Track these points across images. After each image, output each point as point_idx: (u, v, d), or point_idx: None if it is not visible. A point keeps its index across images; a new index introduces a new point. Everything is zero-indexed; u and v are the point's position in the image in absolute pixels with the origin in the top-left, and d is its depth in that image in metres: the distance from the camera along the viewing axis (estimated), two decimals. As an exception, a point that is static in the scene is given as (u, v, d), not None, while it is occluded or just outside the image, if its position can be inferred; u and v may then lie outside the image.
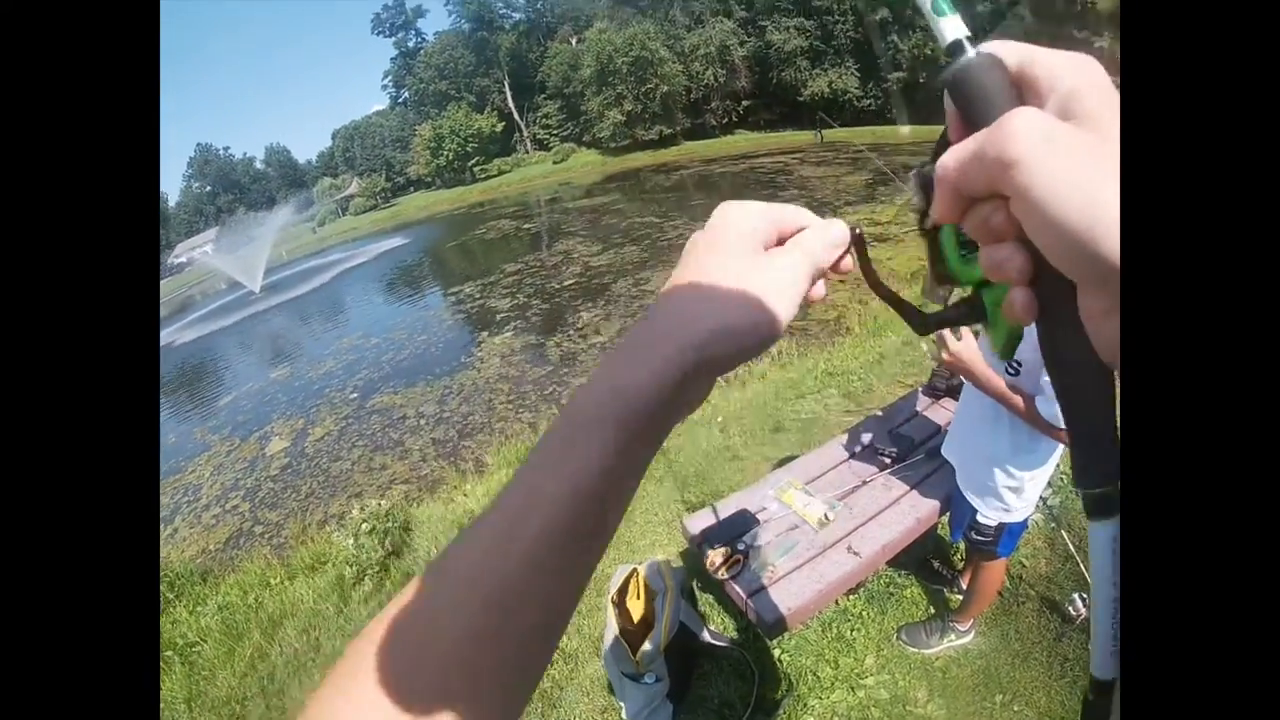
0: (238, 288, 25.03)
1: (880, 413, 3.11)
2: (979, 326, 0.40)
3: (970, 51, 0.31)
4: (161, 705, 3.26)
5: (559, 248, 15.61)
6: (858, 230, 0.43)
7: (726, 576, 2.19)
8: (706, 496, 3.67)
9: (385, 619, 0.37)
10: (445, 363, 8.87)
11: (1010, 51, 0.31)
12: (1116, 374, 0.29)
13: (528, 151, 51.27)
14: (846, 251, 0.43)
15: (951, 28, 0.32)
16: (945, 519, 2.44)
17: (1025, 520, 1.99)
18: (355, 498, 5.87)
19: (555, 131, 48.81)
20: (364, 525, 3.90)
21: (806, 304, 0.43)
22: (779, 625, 2.03)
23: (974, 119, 0.30)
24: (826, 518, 2.35)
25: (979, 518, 1.99)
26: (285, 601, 3.81)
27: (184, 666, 3.52)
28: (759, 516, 2.44)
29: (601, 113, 40.48)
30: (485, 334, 9.72)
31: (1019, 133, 0.26)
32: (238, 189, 69.56)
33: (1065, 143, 0.26)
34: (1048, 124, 0.27)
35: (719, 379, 0.50)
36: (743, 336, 0.39)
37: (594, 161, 41.62)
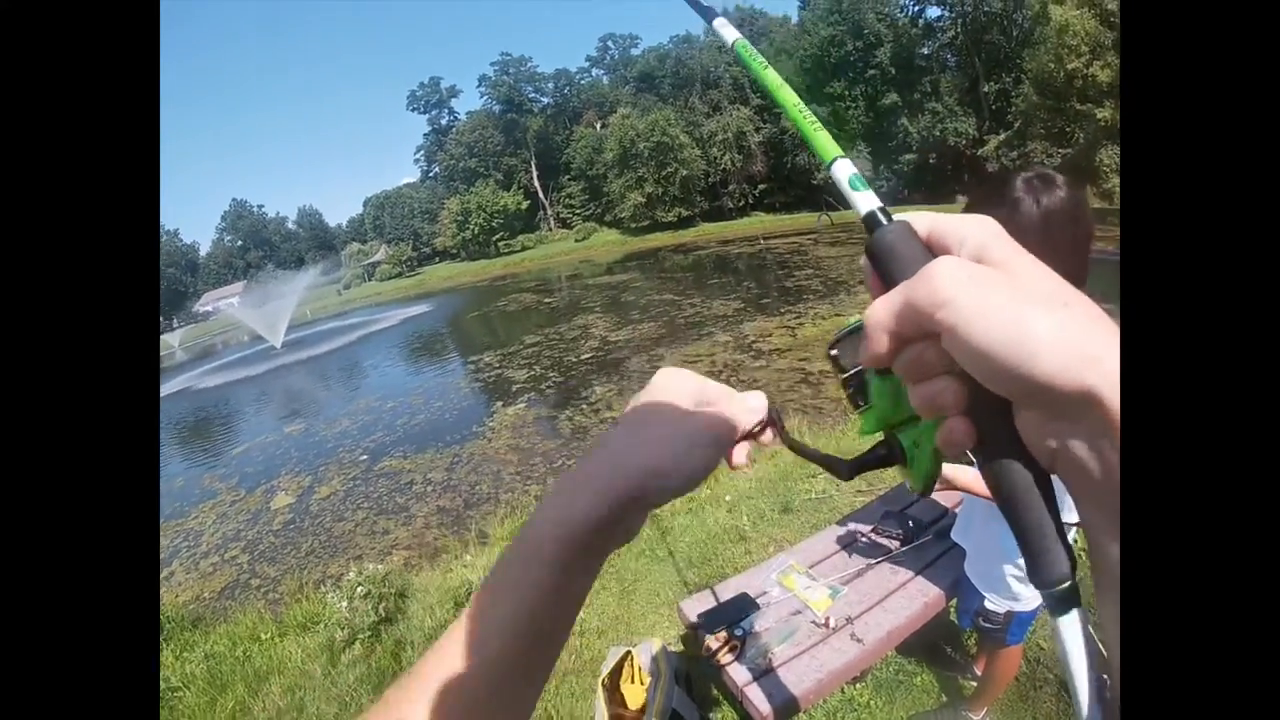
0: (260, 341, 25.47)
1: (888, 494, 3.09)
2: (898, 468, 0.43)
3: (885, 221, 0.34)
4: None
5: (578, 322, 15.89)
6: (775, 411, 0.49)
7: (724, 663, 2.13)
8: (709, 578, 3.58)
9: None
10: (458, 430, 8.91)
11: (918, 219, 0.34)
12: (1055, 479, 0.31)
13: (551, 229, 53.14)
14: (766, 425, 0.49)
15: (865, 201, 0.35)
16: (954, 604, 2.37)
17: (1036, 608, 1.93)
18: (355, 560, 5.80)
19: (578, 210, 50.69)
20: (359, 589, 3.84)
21: (730, 467, 0.50)
22: (776, 715, 1.95)
23: (894, 277, 0.33)
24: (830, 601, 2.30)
25: (987, 604, 1.95)
26: (273, 657, 3.74)
27: (164, 711, 3.45)
28: (759, 601, 2.38)
29: (623, 194, 42.18)
30: (500, 404, 9.79)
31: (945, 275, 0.29)
32: (268, 246, 71.53)
33: (986, 279, 0.29)
34: (968, 266, 0.30)
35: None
36: (668, 477, 0.44)
37: (614, 240, 42.93)
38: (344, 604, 3.83)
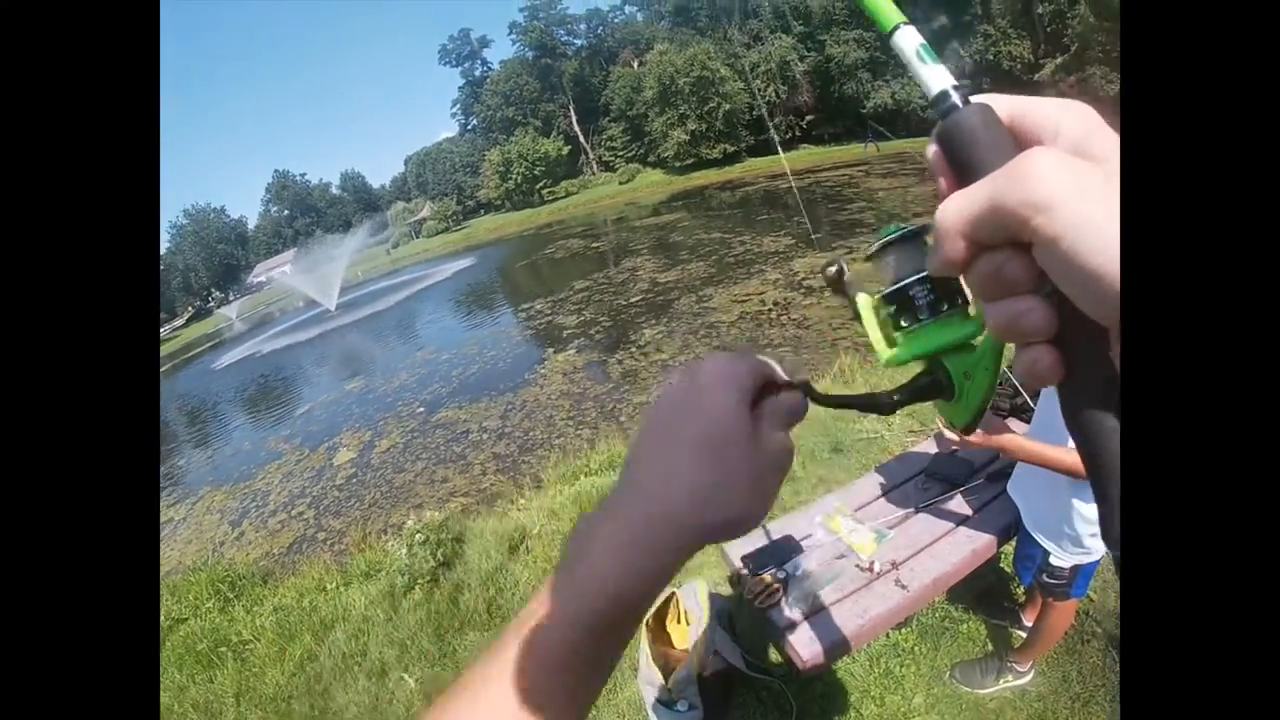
0: (315, 306, 26.22)
1: (939, 434, 2.83)
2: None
3: (960, 101, 0.30)
4: (211, 699, 3.34)
5: (626, 265, 15.61)
6: (803, 383, 0.44)
7: (767, 605, 2.04)
8: None
9: None
10: (511, 379, 8.90)
11: (1001, 102, 0.30)
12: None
13: (594, 173, 52.45)
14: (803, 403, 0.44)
15: (936, 78, 0.31)
16: (1010, 552, 2.22)
17: (1099, 559, 1.81)
18: (415, 509, 5.88)
19: (620, 153, 49.60)
20: (418, 536, 3.85)
21: None
22: (816, 660, 1.86)
23: (972, 169, 0.29)
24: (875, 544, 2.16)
25: (1052, 560, 1.82)
26: (338, 606, 3.83)
27: (236, 662, 3.57)
28: (804, 544, 2.25)
29: (665, 133, 40.88)
30: (551, 350, 9.71)
31: (1046, 175, 0.24)
32: (314, 213, 72.59)
33: (1095, 184, 0.24)
34: (1074, 164, 0.25)
35: None
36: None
37: (659, 181, 41.95)
38: (403, 551, 3.86)
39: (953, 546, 2.11)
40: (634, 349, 8.79)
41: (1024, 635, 2.28)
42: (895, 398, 0.42)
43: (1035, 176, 0.25)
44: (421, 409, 8.68)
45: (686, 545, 0.38)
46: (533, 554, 3.75)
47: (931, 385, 0.39)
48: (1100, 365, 0.27)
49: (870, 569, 2.06)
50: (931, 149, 0.31)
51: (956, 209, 0.27)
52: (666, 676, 2.14)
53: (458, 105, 61.49)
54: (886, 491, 2.44)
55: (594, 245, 21.95)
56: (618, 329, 10.04)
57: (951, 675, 2.28)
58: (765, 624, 2.10)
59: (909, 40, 0.32)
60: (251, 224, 74.72)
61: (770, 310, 8.91)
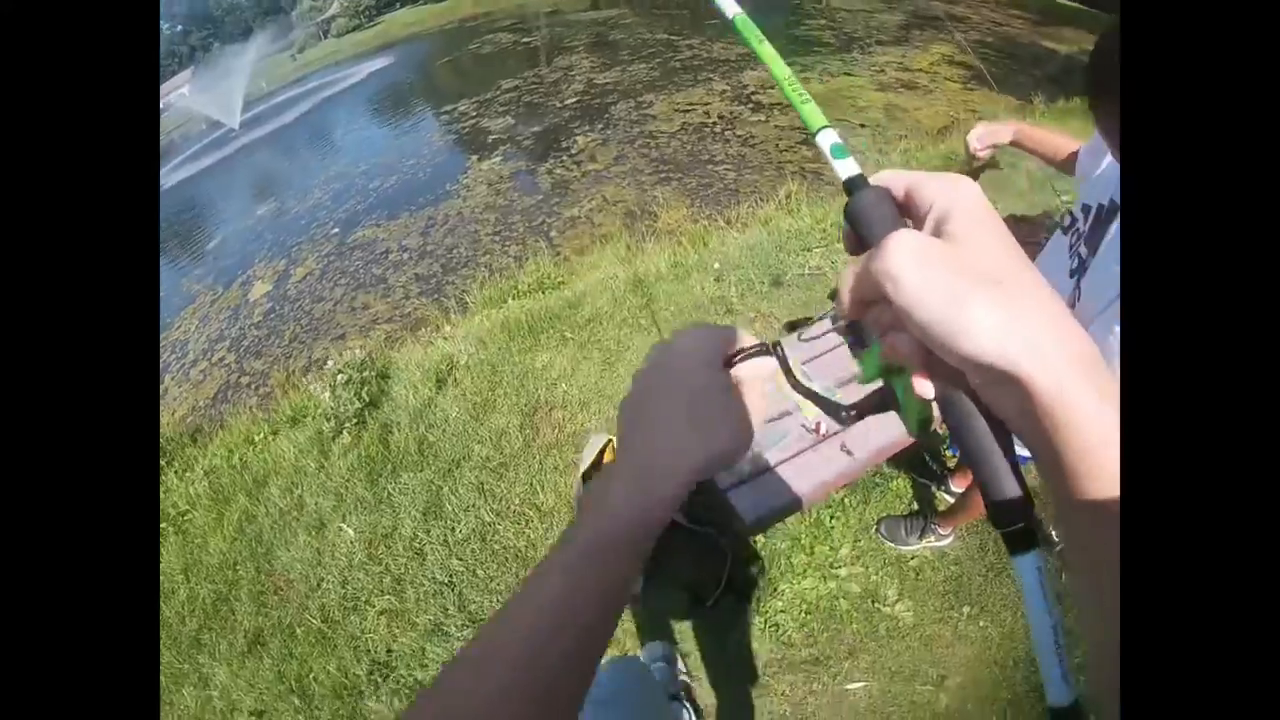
0: (218, 126, 23.53)
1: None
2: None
3: (863, 186, 0.37)
4: (161, 580, 3.19)
5: (560, 64, 13.85)
6: (779, 349, 0.50)
7: None
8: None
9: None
10: (432, 190, 8.15)
11: (899, 181, 0.37)
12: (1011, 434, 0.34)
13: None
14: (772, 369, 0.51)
15: (845, 168, 0.39)
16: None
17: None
18: (337, 340, 5.54)
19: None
20: (340, 376, 3.54)
21: None
22: (758, 523, 1.83)
23: (865, 241, 0.36)
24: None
25: None
26: (268, 459, 3.59)
27: (178, 536, 3.38)
28: None
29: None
30: (475, 158, 8.84)
31: (892, 252, 0.31)
32: (211, 23, 65.03)
33: (931, 256, 0.31)
34: (918, 243, 0.32)
35: None
36: (726, 458, 0.47)
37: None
38: (326, 395, 3.56)
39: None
40: (565, 158, 8.03)
41: (950, 500, 2.32)
42: (852, 412, 0.47)
43: (887, 255, 0.31)
44: (336, 230, 7.99)
45: (679, 483, 0.45)
46: (461, 387, 3.50)
47: (880, 401, 0.45)
48: (961, 385, 0.34)
49: (816, 430, 1.97)
50: (844, 223, 0.38)
51: (849, 275, 0.35)
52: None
53: None
54: (836, 344, 2.28)
55: (524, 41, 19.47)
56: (549, 135, 9.10)
57: (878, 529, 2.31)
58: (707, 481, 1.94)
59: (827, 140, 0.40)
60: (143, 46, 66.09)
61: (715, 124, 8.09)
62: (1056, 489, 0.30)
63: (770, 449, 1.94)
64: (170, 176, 19.22)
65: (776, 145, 7.13)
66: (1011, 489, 0.33)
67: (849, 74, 9.20)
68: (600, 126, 8.88)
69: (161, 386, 6.24)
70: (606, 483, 0.46)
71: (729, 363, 0.48)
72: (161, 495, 3.71)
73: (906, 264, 0.30)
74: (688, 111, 8.68)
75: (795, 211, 4.71)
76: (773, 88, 10.01)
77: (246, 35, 57.70)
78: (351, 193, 9.25)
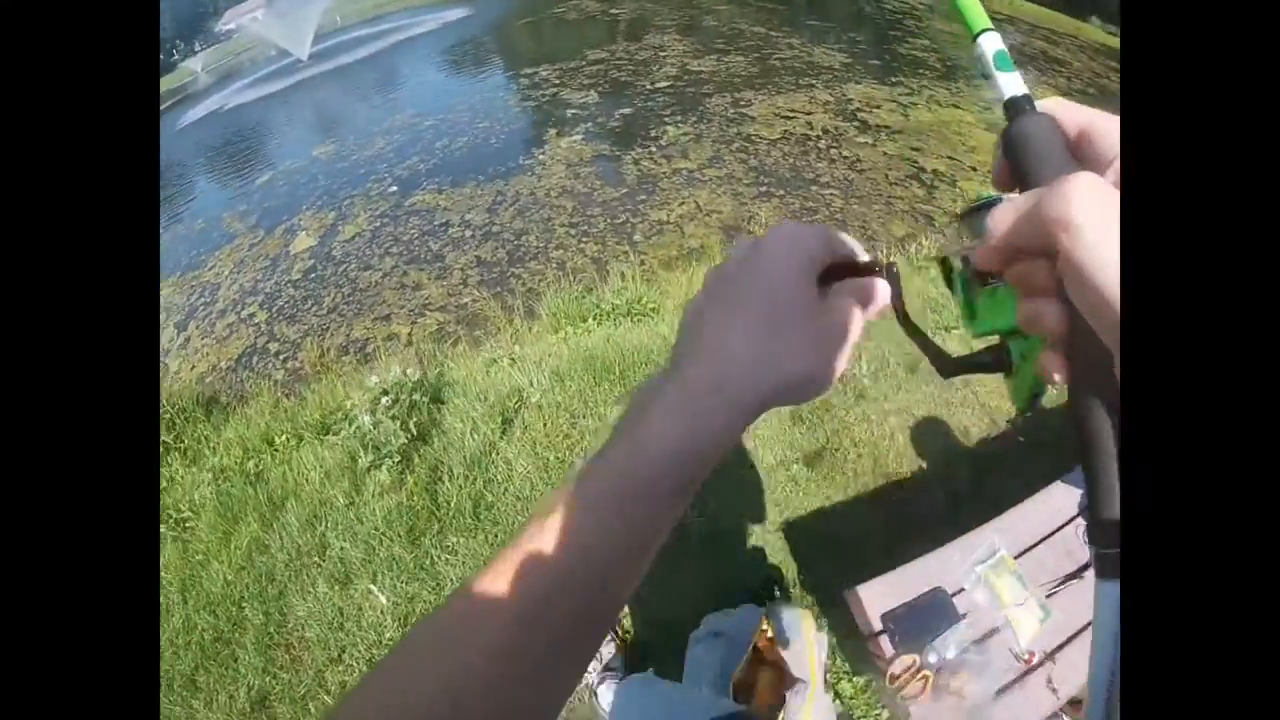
0: (287, 55, 23.14)
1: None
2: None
3: (1029, 110, 0.32)
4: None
5: (650, 42, 12.93)
6: (894, 268, 0.42)
7: (908, 696, 1.45)
8: (829, 437, 2.74)
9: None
10: (503, 160, 7.43)
11: (1070, 113, 0.32)
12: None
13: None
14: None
15: (1010, 84, 0.33)
16: None
17: None
18: (381, 320, 4.89)
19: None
20: (384, 400, 2.86)
21: None
22: None
23: (1027, 177, 0.31)
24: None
25: None
26: (289, 476, 2.97)
27: (177, 545, 2.81)
28: (957, 603, 1.59)
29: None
30: (553, 132, 8.07)
31: (1078, 198, 0.26)
32: None
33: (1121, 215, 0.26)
34: (1108, 194, 0.27)
35: None
36: (802, 391, 0.39)
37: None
38: (366, 418, 2.89)
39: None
40: (654, 149, 7.24)
41: None
42: (953, 364, 0.43)
43: (1071, 198, 0.26)
44: (395, 188, 7.31)
45: (743, 408, 0.37)
46: (531, 433, 2.83)
47: (994, 360, 0.41)
48: (1104, 375, 0.28)
49: (1029, 660, 1.53)
50: (997, 149, 0.33)
51: (1004, 216, 0.30)
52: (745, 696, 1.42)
53: None
54: (1053, 530, 1.75)
55: (612, 11, 18.56)
56: (637, 120, 8.28)
57: None
58: (897, 711, 1.53)
59: (990, 45, 0.34)
60: (222, -36, 66.31)
61: (819, 138, 7.22)
62: None
63: (974, 684, 1.48)
64: (233, 98, 19.00)
65: (886, 176, 6.32)
66: (1117, 511, 0.29)
67: (956, 105, 8.31)
68: (694, 119, 8.05)
69: (185, 333, 5.71)
70: (647, 400, 0.37)
71: (828, 276, 0.41)
72: (165, 485, 3.16)
73: (1095, 216, 0.25)
74: (789, 119, 7.84)
75: (926, 272, 3.81)
76: (879, 106, 9.46)
77: (326, -36, 57.46)
78: (416, 148, 8.57)
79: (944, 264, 0.46)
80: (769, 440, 2.77)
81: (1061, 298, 0.29)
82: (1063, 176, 0.27)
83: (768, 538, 2.43)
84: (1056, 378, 0.31)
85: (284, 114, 15.05)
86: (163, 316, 6.08)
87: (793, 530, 2.43)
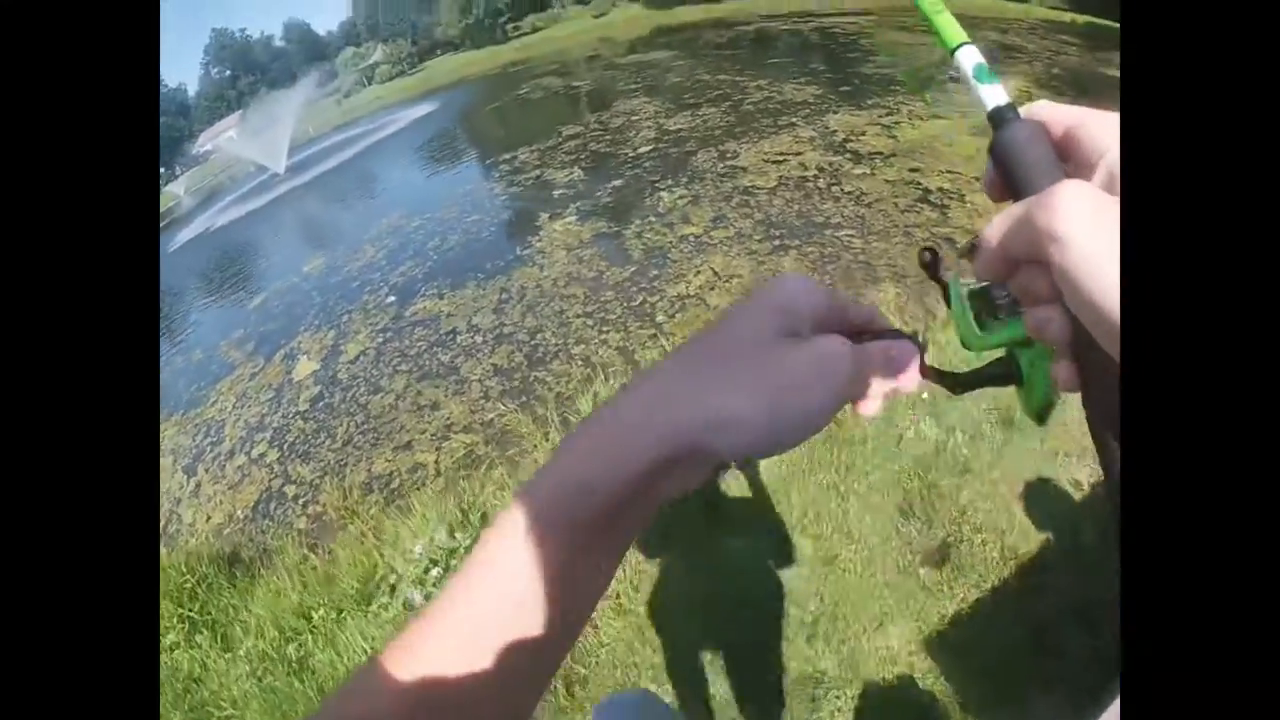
0: (265, 170, 23.61)
1: None
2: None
3: (1014, 118, 0.32)
4: None
5: (620, 108, 12.97)
6: (921, 341, 0.40)
7: None
8: (931, 504, 2.54)
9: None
10: (500, 254, 7.18)
11: (1056, 115, 0.31)
12: None
13: (563, 6, 46.77)
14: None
15: (992, 95, 0.33)
16: None
17: None
18: (403, 451, 4.51)
19: (593, -20, 43.81)
20: (432, 572, 2.57)
21: (852, 412, 0.39)
22: None
23: (1017, 186, 0.31)
24: None
25: None
26: (334, 662, 2.61)
27: None
28: None
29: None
30: (545, 216, 7.86)
31: (1064, 208, 0.26)
32: (258, 69, 69.98)
33: (1111, 221, 0.26)
34: (1094, 201, 0.26)
35: None
36: (732, 433, 0.33)
37: (638, 15, 37.03)
38: (416, 593, 2.60)
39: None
40: (653, 218, 7.00)
41: None
42: (963, 379, 0.43)
43: (1057, 209, 0.26)
44: (393, 298, 7.02)
45: (658, 439, 0.33)
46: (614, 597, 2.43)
47: (1003, 373, 0.41)
48: (1116, 385, 0.27)
49: None
50: (988, 160, 0.32)
51: (997, 227, 0.30)
52: None
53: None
54: None
55: (574, 85, 18.92)
56: (628, 190, 8.10)
57: None
58: None
59: (969, 58, 0.33)
60: (192, 91, 72.02)
61: (816, 177, 6.98)
62: None
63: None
64: (219, 218, 19.27)
65: (895, 205, 6.04)
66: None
67: (938, 116, 8.15)
68: (685, 180, 7.86)
69: (194, 479, 5.30)
70: (571, 436, 0.36)
71: (849, 335, 0.37)
72: (199, 670, 2.87)
73: (1081, 225, 0.26)
74: (780, 162, 7.66)
75: (937, 301, 3.59)
76: (863, 133, 9.36)
77: (293, 82, 60.06)
78: (407, 251, 8.36)
79: (945, 285, 0.46)
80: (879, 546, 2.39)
81: (1064, 305, 0.28)
82: (1049, 187, 0.27)
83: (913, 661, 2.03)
84: (1068, 386, 0.31)
85: (270, 230, 15.00)
86: (170, 461, 5.70)
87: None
